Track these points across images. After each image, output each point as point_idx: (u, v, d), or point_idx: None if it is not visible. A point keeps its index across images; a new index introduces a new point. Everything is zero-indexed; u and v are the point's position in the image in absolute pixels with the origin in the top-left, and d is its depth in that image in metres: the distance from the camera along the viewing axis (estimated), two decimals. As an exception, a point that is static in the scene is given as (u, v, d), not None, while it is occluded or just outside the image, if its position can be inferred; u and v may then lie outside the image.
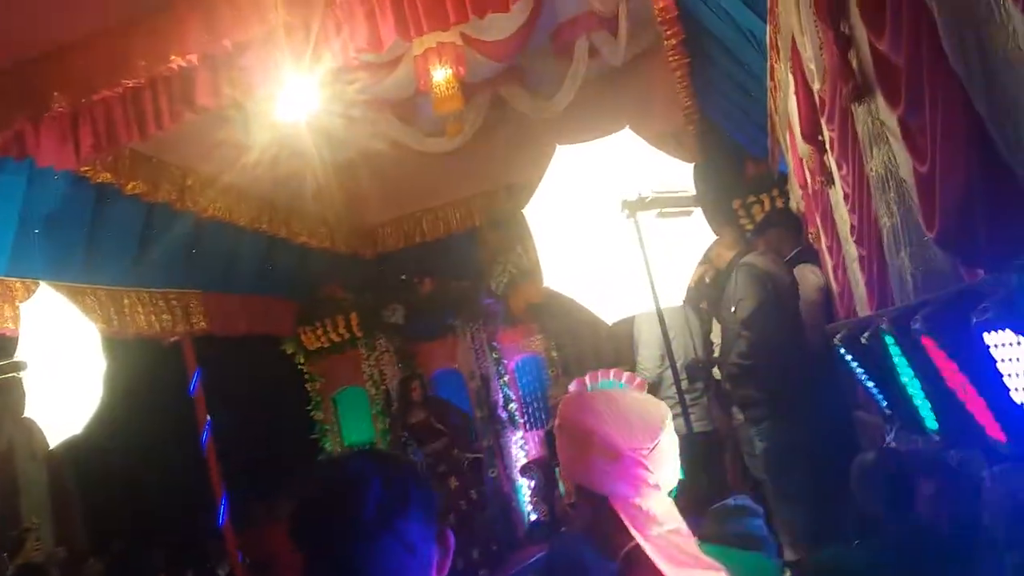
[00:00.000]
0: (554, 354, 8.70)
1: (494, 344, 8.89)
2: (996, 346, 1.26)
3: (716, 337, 5.58)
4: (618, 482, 1.54)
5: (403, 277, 8.98)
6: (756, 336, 4.48)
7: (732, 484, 5.12)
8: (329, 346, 8.93)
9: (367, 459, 1.36)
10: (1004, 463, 1.54)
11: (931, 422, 1.91)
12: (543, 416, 8.79)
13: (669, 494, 1.60)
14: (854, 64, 2.60)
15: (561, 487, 7.31)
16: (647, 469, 1.55)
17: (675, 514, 1.58)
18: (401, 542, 1.24)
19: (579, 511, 1.64)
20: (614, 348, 7.99)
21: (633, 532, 1.52)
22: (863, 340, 2.17)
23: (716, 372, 5.19)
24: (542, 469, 8.16)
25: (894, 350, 1.91)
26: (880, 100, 2.42)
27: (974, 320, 1.27)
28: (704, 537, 1.84)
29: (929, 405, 1.87)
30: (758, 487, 4.80)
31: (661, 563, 1.49)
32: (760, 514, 2.57)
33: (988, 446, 1.55)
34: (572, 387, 1.72)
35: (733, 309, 4.60)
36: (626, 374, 1.74)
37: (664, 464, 1.58)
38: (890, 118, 2.39)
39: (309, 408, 9.00)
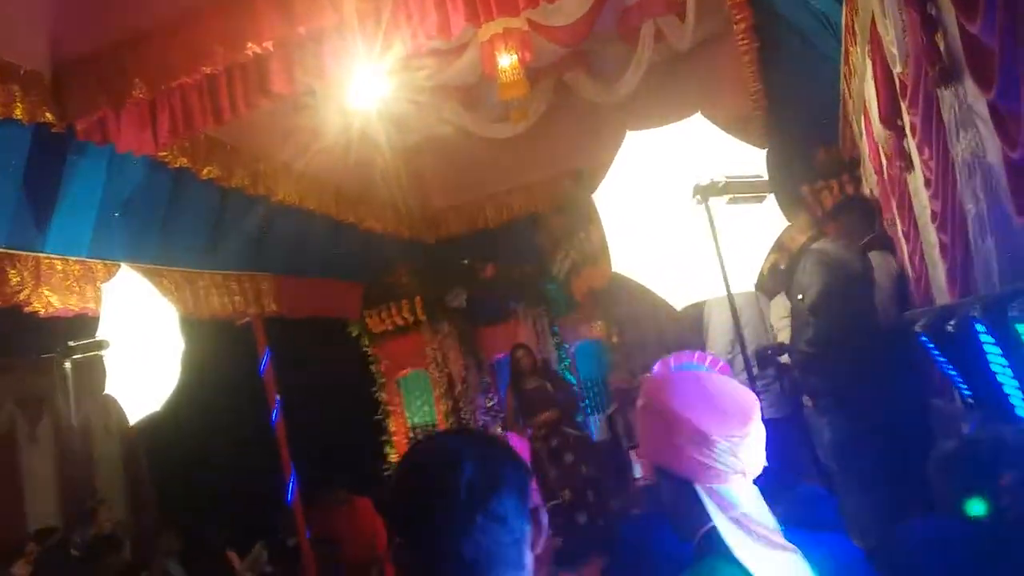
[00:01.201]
0: (615, 339, 8.69)
1: (555, 329, 8.92)
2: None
3: (776, 320, 5.51)
4: (705, 467, 1.55)
5: (465, 262, 9.05)
6: (824, 323, 4.42)
7: (803, 472, 5.05)
8: (393, 329, 9.07)
9: (460, 438, 1.38)
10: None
11: (1022, 410, 1.87)
12: (603, 400, 8.80)
13: (753, 481, 1.61)
14: (941, 47, 2.54)
15: (637, 469, 7.32)
16: (735, 456, 1.55)
17: (759, 499, 1.58)
18: (495, 520, 1.26)
19: (659, 492, 1.65)
20: (676, 334, 7.93)
21: (713, 515, 1.53)
22: (949, 327, 2.13)
23: (786, 358, 5.13)
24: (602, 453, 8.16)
25: (985, 337, 1.88)
26: (969, 84, 2.37)
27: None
28: (782, 522, 1.83)
29: (1021, 393, 1.83)
30: (828, 476, 4.74)
31: (737, 545, 1.50)
32: (832, 502, 2.55)
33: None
34: (656, 367, 1.72)
35: (800, 297, 4.54)
36: (710, 357, 1.74)
37: (752, 451, 1.58)
38: (979, 102, 2.33)
39: (374, 389, 9.16)
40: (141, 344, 4.67)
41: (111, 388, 4.57)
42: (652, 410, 1.65)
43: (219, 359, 7.03)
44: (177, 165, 5.47)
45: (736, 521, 1.52)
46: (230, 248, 6.58)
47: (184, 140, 5.30)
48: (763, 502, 1.58)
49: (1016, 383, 1.82)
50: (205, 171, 5.67)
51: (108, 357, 4.50)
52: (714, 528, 1.53)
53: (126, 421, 4.67)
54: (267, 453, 7.03)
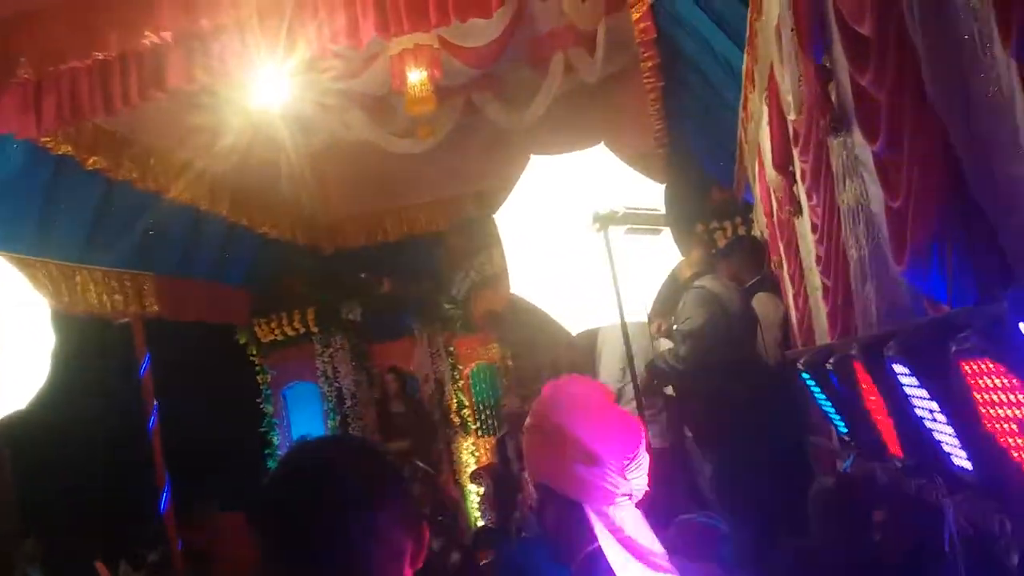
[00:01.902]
0: (509, 363, 8.70)
1: (451, 349, 8.88)
2: (973, 375, 1.29)
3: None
4: (593, 488, 1.55)
5: (363, 275, 8.91)
6: (694, 348, 4.55)
7: (683, 502, 5.15)
8: (283, 339, 8.84)
9: (339, 446, 1.33)
10: (966, 492, 1.57)
11: (895, 449, 1.95)
12: (495, 424, 8.79)
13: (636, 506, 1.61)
14: (833, 97, 2.66)
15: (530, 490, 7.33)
16: (625, 478, 1.55)
17: (643, 523, 1.59)
18: (371, 533, 1.20)
19: (543, 514, 1.63)
20: (570, 361, 7.99)
21: (600, 536, 1.52)
22: (828, 365, 2.21)
23: (670, 389, 5.23)
24: (492, 476, 8.14)
25: (862, 376, 1.95)
26: (856, 134, 2.48)
27: (953, 348, 1.30)
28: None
29: (894, 432, 1.91)
30: (706, 506, 4.84)
31: (620, 568, 1.50)
32: (728, 538, 2.59)
33: (952, 475, 1.59)
34: (546, 389, 1.71)
35: (675, 326, 4.67)
36: (596, 382, 1.75)
37: (640, 474, 1.59)
38: (865, 152, 2.45)
39: (259, 400, 8.89)
40: (7, 338, 4.39)
41: (-30, 384, 4.27)
42: (541, 430, 1.64)
43: (94, 359, 6.71)
44: (60, 152, 5.21)
45: (622, 543, 1.52)
46: (113, 243, 6.28)
47: (70, 127, 5.04)
48: (647, 526, 1.59)
49: (891, 421, 1.90)
50: (91, 160, 5.42)
51: (-32, 350, 4.21)
52: (596, 550, 1.53)
53: (-16, 420, 4.37)
54: (141, 461, 6.72)
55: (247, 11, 4.00)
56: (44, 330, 4.49)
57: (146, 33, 4.10)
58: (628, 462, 1.57)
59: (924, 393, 1.55)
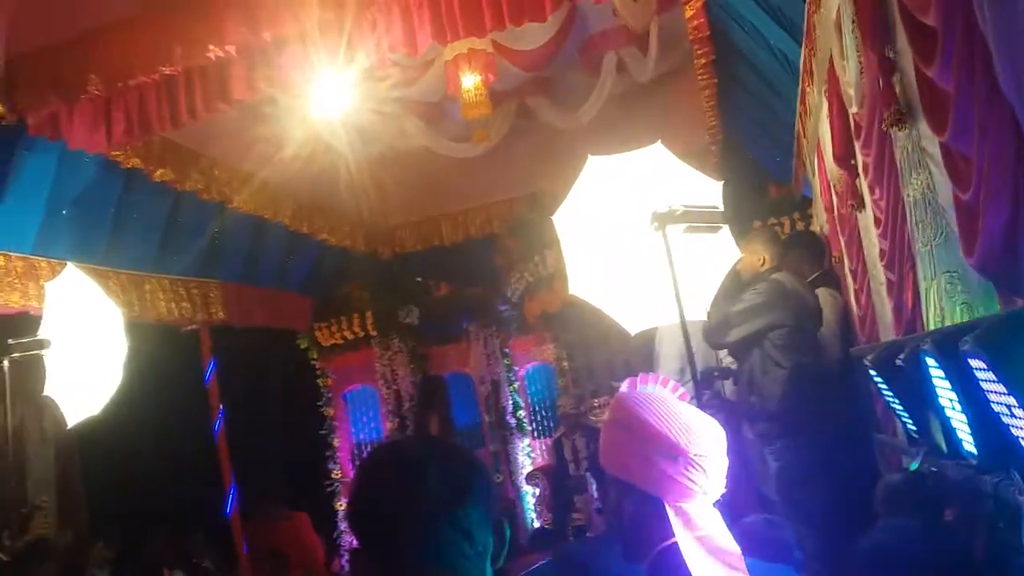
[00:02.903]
0: (565, 364, 8.72)
1: (506, 351, 8.92)
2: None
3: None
4: (675, 483, 1.56)
5: (419, 279, 9.02)
6: (752, 325, 4.47)
7: (743, 502, 5.09)
8: (343, 343, 8.98)
9: (427, 445, 1.35)
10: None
11: (969, 445, 1.92)
12: (551, 424, 8.81)
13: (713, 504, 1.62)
14: (897, 89, 2.62)
15: (594, 489, 7.32)
16: (705, 474, 1.56)
17: (720, 522, 1.59)
18: (459, 530, 1.23)
19: (620, 509, 1.64)
20: (626, 362, 8.01)
21: (678, 532, 1.53)
22: (898, 361, 2.18)
23: (730, 385, 5.17)
24: (548, 477, 8.16)
25: (935, 372, 1.92)
26: (923, 126, 2.44)
27: (1033, 341, 1.28)
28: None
29: (968, 428, 1.88)
30: (768, 507, 4.79)
31: (697, 566, 1.50)
32: (797, 543, 2.57)
33: (1030, 471, 1.57)
34: (623, 387, 1.73)
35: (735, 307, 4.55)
36: (670, 382, 1.75)
37: (719, 472, 1.60)
38: (932, 144, 2.41)
39: (320, 404, 9.03)
40: (83, 346, 4.56)
41: (49, 390, 4.44)
42: (624, 425, 1.65)
43: (163, 366, 6.88)
44: (129, 165, 5.38)
45: (699, 540, 1.53)
46: (180, 253, 6.47)
47: (138, 141, 5.20)
48: (725, 526, 1.59)
49: (964, 418, 1.87)
50: (158, 173, 5.58)
51: (48, 357, 4.38)
52: (672, 546, 1.54)
53: (63, 425, 4.54)
54: (207, 465, 6.87)
55: (309, 23, 4.08)
56: (118, 338, 4.67)
57: (210, 47, 4.20)
58: (709, 459, 1.58)
59: (1002, 388, 1.52)
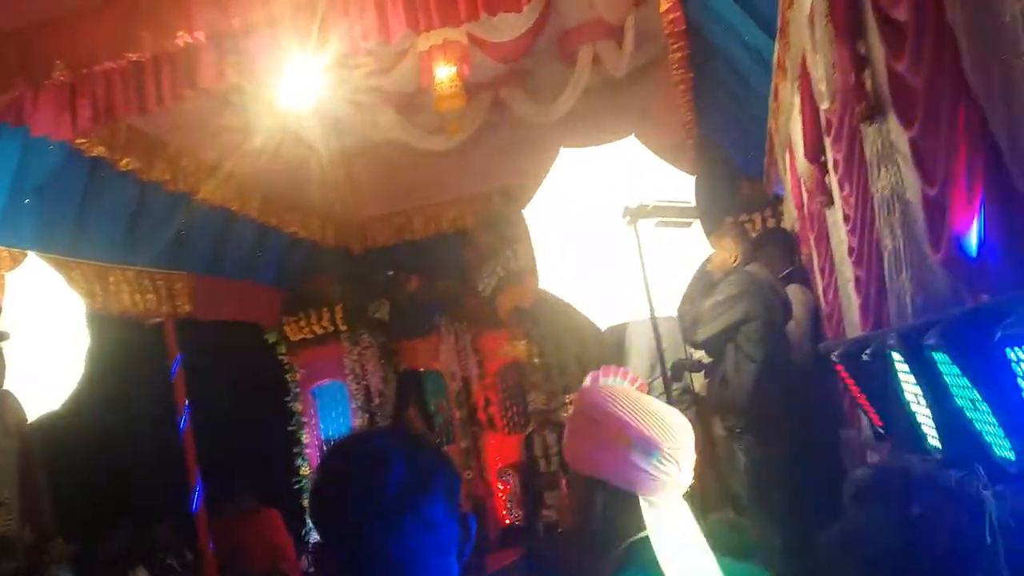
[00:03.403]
0: (536, 360, 8.70)
1: (477, 346, 8.89)
2: (1019, 362, 1.27)
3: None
4: (648, 476, 1.54)
5: (390, 273, 8.95)
6: (727, 320, 4.48)
7: (710, 498, 5.11)
8: (312, 338, 8.87)
9: (391, 437, 1.32)
10: (1009, 483, 1.55)
11: (934, 440, 1.92)
12: (522, 420, 8.78)
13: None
14: (867, 85, 2.62)
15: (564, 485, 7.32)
16: (678, 467, 1.55)
17: (690, 515, 1.58)
18: (423, 522, 1.21)
19: (589, 505, 1.61)
20: (597, 357, 7.98)
21: (650, 526, 1.51)
22: (864, 357, 2.19)
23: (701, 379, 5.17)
24: (518, 473, 8.15)
25: (900, 367, 1.93)
26: (892, 120, 2.45)
27: (998, 335, 1.28)
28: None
29: (933, 423, 1.88)
30: (736, 502, 4.81)
31: (667, 559, 1.49)
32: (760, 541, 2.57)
33: (994, 465, 1.57)
34: (587, 381, 1.70)
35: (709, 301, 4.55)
36: (629, 375, 1.74)
37: (688, 464, 1.58)
38: (901, 139, 2.41)
39: (288, 399, 8.93)
40: (44, 338, 4.47)
41: (10, 382, 4.35)
42: (592, 419, 1.62)
43: (127, 359, 6.78)
44: (94, 153, 5.28)
45: (670, 534, 1.52)
46: (146, 243, 6.36)
47: (104, 128, 5.11)
48: (693, 519, 1.58)
49: (928, 412, 1.88)
50: (124, 162, 5.49)
51: (8, 349, 4.29)
52: (641, 540, 1.52)
53: (23, 418, 4.45)
54: (173, 460, 6.78)
55: (279, 9, 4.03)
56: (80, 330, 4.58)
57: (179, 33, 4.13)
58: (680, 451, 1.56)
59: (966, 383, 1.53)
